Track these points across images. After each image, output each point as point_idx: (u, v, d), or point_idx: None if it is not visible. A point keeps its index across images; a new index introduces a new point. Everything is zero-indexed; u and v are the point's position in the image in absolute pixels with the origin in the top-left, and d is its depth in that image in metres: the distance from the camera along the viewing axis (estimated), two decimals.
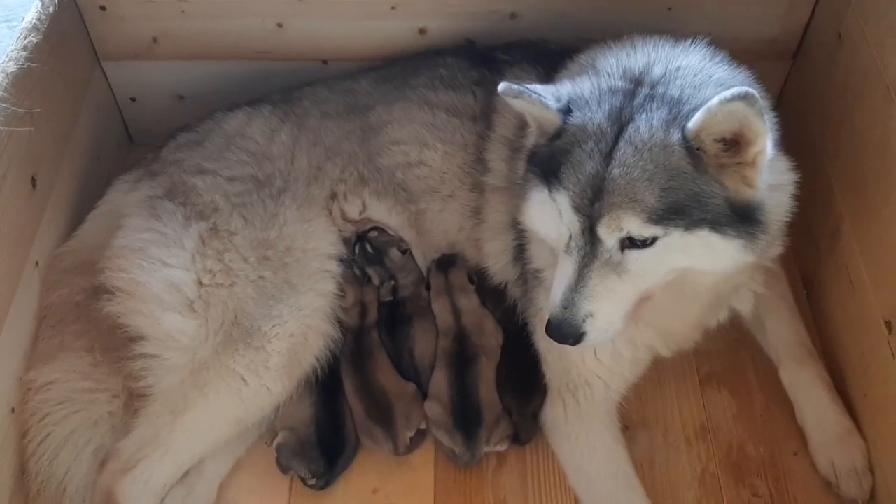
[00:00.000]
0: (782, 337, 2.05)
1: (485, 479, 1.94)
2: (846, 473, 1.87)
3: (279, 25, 2.24)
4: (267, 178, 2.04)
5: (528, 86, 1.55)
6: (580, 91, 1.56)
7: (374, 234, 2.12)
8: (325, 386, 1.95)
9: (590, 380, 1.87)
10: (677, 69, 1.56)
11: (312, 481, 1.88)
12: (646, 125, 1.46)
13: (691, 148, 1.45)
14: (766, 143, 1.43)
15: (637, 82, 1.54)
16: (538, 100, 1.53)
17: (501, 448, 1.92)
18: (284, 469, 1.89)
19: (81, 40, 2.27)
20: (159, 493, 1.80)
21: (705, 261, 1.54)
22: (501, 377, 1.95)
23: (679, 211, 1.46)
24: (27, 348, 1.91)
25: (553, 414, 1.91)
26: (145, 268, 1.87)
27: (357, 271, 2.09)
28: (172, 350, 1.84)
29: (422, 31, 2.23)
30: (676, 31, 2.18)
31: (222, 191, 1.99)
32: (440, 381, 1.94)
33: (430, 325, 2.05)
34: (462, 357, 1.97)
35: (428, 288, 2.10)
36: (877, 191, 1.86)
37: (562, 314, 1.53)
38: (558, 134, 1.55)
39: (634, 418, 2.01)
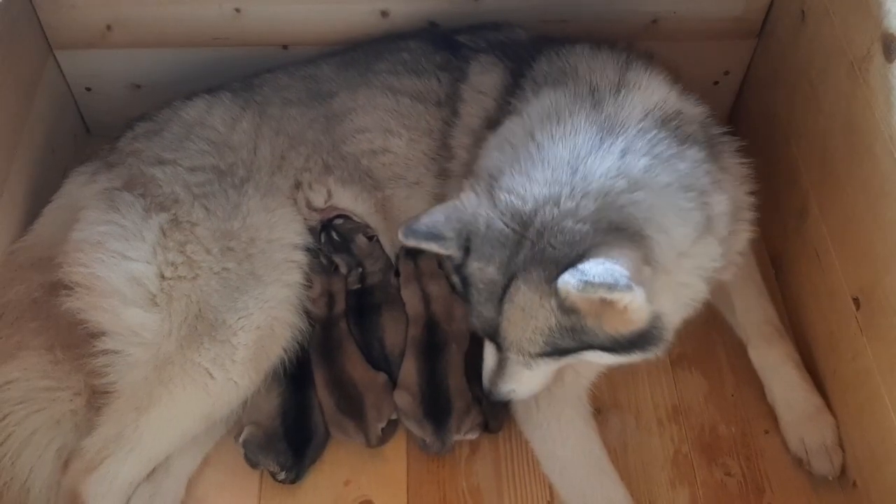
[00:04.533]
0: (751, 316, 2.05)
1: (458, 467, 1.93)
2: (816, 450, 1.89)
3: (237, 10, 2.19)
4: (229, 167, 2.00)
5: (426, 229, 1.56)
6: (476, 226, 1.55)
7: (339, 221, 2.09)
8: (294, 378, 1.92)
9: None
10: (564, 215, 1.48)
11: (282, 475, 1.85)
12: (526, 287, 1.50)
13: (568, 307, 1.48)
14: (633, 299, 1.41)
15: (524, 226, 1.51)
16: (439, 249, 1.58)
17: (472, 436, 1.91)
18: (253, 464, 1.87)
19: (32, 29, 2.20)
20: (125, 491, 1.77)
21: (610, 363, 1.67)
22: (470, 365, 1.94)
23: (566, 350, 1.57)
24: None
25: (525, 402, 1.89)
26: (105, 262, 1.83)
27: (324, 260, 2.06)
28: (135, 345, 1.80)
29: (384, 14, 2.19)
30: (642, 11, 2.21)
31: (183, 181, 1.95)
32: (409, 371, 1.92)
33: (399, 314, 2.02)
34: (432, 345, 1.94)
35: (397, 275, 2.08)
36: (842, 168, 1.87)
37: (490, 388, 1.74)
38: (463, 263, 1.59)
39: (606, 401, 2.01)
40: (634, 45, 1.90)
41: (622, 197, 1.49)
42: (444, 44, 2.08)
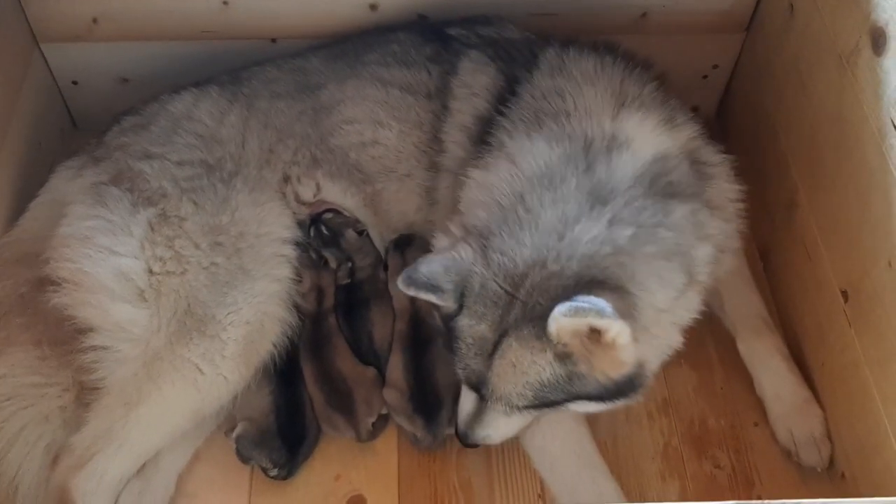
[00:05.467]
0: (739, 309, 2.06)
1: (449, 461, 1.93)
2: (805, 442, 1.90)
3: (225, 3, 2.17)
4: (217, 161, 1.99)
5: (426, 279, 1.58)
6: (472, 283, 1.58)
7: (328, 215, 2.08)
8: (284, 373, 1.92)
9: None
10: (550, 276, 1.53)
11: (274, 472, 1.85)
12: (517, 344, 1.54)
13: (560, 353, 1.51)
14: (621, 329, 1.45)
15: (515, 287, 1.55)
16: (437, 300, 1.60)
17: None
18: (245, 460, 1.86)
19: (17, 22, 2.18)
20: (115, 487, 1.76)
21: (589, 411, 1.68)
22: None
23: (553, 402, 1.60)
24: None
25: None
26: (92, 257, 1.81)
27: (313, 255, 2.06)
28: (124, 341, 1.79)
29: (373, 7, 2.18)
30: (631, 5, 2.21)
31: (171, 175, 1.93)
32: (396, 367, 1.92)
33: (388, 308, 2.02)
34: (418, 339, 1.94)
35: (386, 269, 2.07)
36: (831, 162, 1.88)
37: (465, 432, 1.75)
38: (453, 315, 1.62)
39: None
40: (634, 54, 1.88)
41: (607, 259, 1.53)
42: (434, 36, 2.07)
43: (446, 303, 1.60)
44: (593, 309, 1.42)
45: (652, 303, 1.56)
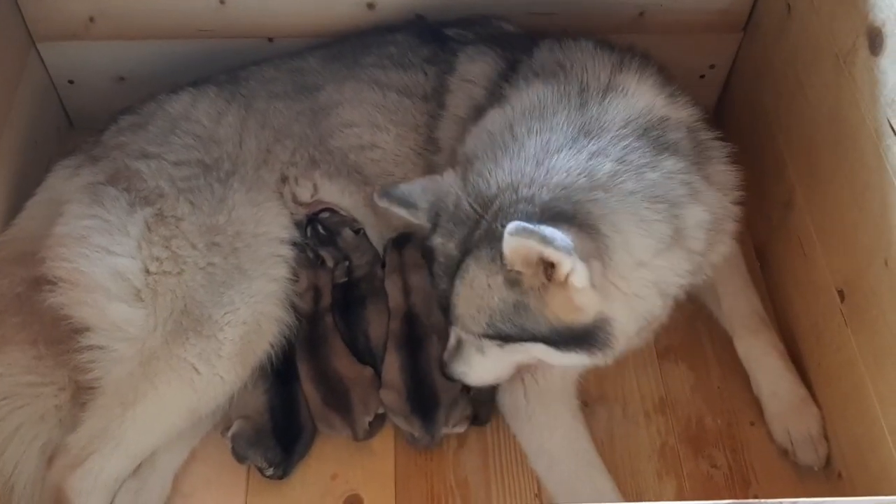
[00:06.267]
0: (736, 307, 2.06)
1: (446, 460, 1.92)
2: (802, 441, 1.90)
3: (222, 2, 2.17)
4: (214, 161, 1.99)
5: (401, 194, 1.64)
6: (446, 203, 1.60)
7: (325, 215, 2.08)
8: (280, 373, 1.92)
9: None
10: (519, 201, 1.50)
11: (270, 471, 1.84)
12: (474, 264, 1.53)
13: (511, 280, 1.48)
14: (574, 267, 1.41)
15: (484, 208, 1.54)
16: (409, 216, 1.66)
17: (460, 430, 1.91)
18: (241, 459, 1.86)
19: (14, 20, 2.18)
20: (111, 487, 1.76)
21: (555, 361, 1.65)
22: None
23: (508, 336, 1.57)
24: None
25: (512, 396, 1.90)
26: (88, 256, 1.81)
27: (310, 254, 2.05)
28: (120, 341, 1.79)
29: (370, 6, 2.18)
30: (629, 4, 2.21)
31: (168, 175, 1.93)
32: (392, 367, 1.91)
33: (384, 307, 2.01)
34: (413, 338, 1.94)
35: (384, 266, 2.07)
36: (828, 161, 1.88)
37: (446, 365, 1.76)
38: (430, 236, 1.64)
39: (593, 394, 2.01)
40: (635, 46, 1.87)
41: (579, 193, 1.49)
42: (432, 37, 2.07)
43: (419, 220, 1.63)
44: (539, 234, 1.36)
45: (629, 251, 1.50)
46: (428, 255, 1.65)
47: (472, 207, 1.55)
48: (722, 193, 1.68)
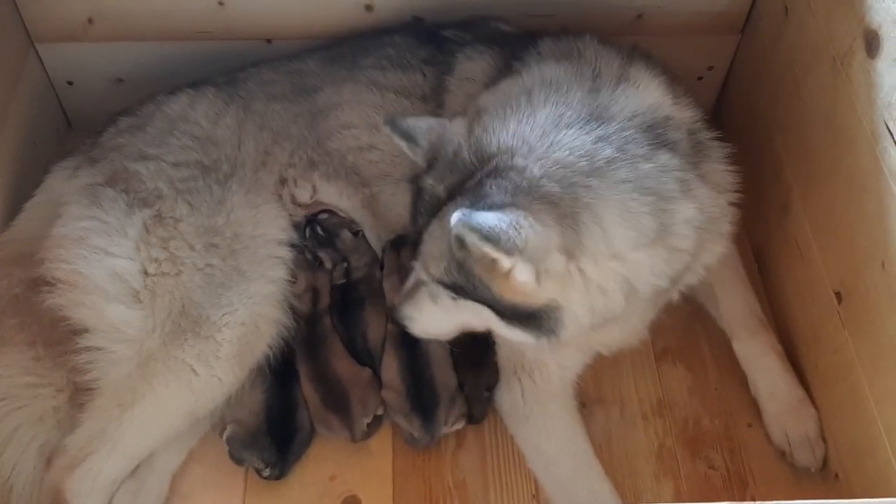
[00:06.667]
0: (734, 309, 2.06)
1: (444, 461, 1.93)
2: (799, 442, 1.90)
3: (220, 4, 2.17)
4: (213, 163, 1.99)
5: (406, 127, 1.63)
6: (446, 149, 1.60)
7: (324, 216, 2.08)
8: (278, 374, 1.92)
9: (545, 360, 1.87)
10: (513, 168, 1.49)
11: (266, 472, 1.84)
12: (453, 212, 1.48)
13: (462, 244, 1.46)
14: (516, 265, 1.41)
15: (481, 163, 1.54)
16: (408, 150, 1.65)
17: (458, 427, 1.91)
18: (238, 461, 1.86)
19: (12, 22, 2.18)
20: (109, 488, 1.76)
21: (502, 332, 1.64)
22: (450, 354, 1.94)
23: (462, 290, 1.56)
24: None
25: (510, 396, 1.91)
26: (87, 258, 1.81)
27: (308, 255, 2.06)
28: (118, 342, 1.79)
29: (368, 8, 2.18)
30: (627, 6, 2.21)
31: (166, 177, 1.93)
32: (391, 367, 1.92)
33: (382, 308, 2.01)
34: (411, 338, 1.93)
35: (382, 268, 2.07)
36: (825, 163, 1.88)
37: (396, 307, 1.77)
38: (422, 175, 1.64)
39: (591, 395, 2.01)
40: (637, 46, 1.86)
41: (576, 176, 1.48)
42: (429, 38, 2.07)
43: (415, 156, 1.63)
44: (480, 232, 1.36)
45: (606, 240, 1.48)
46: (416, 192, 1.64)
47: (471, 159, 1.55)
48: (717, 193, 1.66)
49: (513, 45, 1.95)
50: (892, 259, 1.63)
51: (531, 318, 1.54)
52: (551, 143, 1.50)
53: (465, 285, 1.54)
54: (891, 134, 1.64)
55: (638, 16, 2.24)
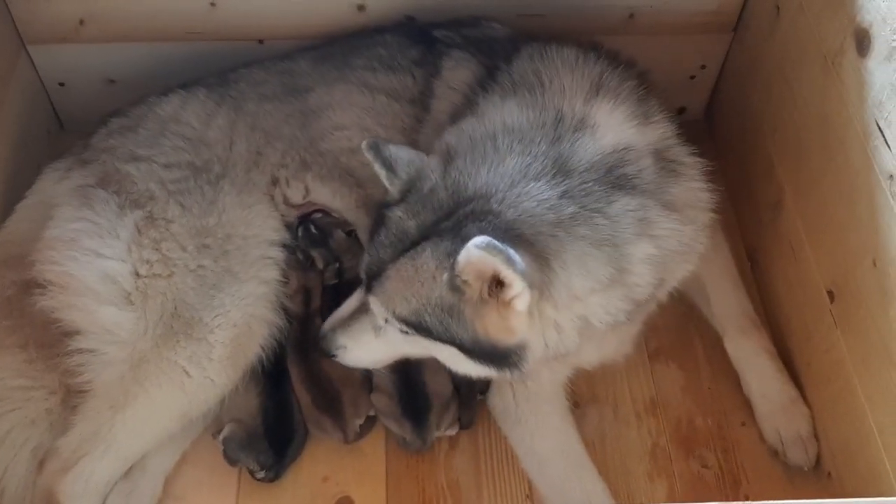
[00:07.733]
0: (726, 308, 2.07)
1: (437, 462, 1.93)
2: (792, 441, 1.91)
3: (212, 4, 2.17)
4: (204, 164, 1.99)
5: (388, 157, 1.62)
6: (422, 184, 1.60)
7: (317, 216, 2.08)
8: (271, 375, 1.92)
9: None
10: (488, 213, 1.51)
11: (261, 474, 1.85)
12: (431, 250, 1.52)
13: (455, 284, 1.47)
14: (522, 291, 1.43)
15: (457, 205, 1.55)
16: (385, 180, 1.64)
17: (452, 432, 1.91)
18: (232, 462, 1.86)
19: (4, 23, 2.17)
20: (102, 490, 1.76)
21: (457, 367, 1.63)
22: None
23: (427, 329, 1.56)
24: None
25: (502, 399, 1.91)
26: (78, 259, 1.81)
27: (300, 255, 2.05)
28: (110, 344, 1.79)
29: (360, 8, 2.18)
30: (619, 5, 2.21)
31: (158, 178, 1.93)
32: (381, 371, 1.91)
33: None
34: None
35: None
36: (817, 162, 1.88)
37: (325, 332, 1.75)
38: (389, 204, 1.63)
39: (585, 395, 2.01)
40: (620, 53, 1.85)
41: (545, 226, 1.51)
42: (420, 38, 2.07)
43: (391, 186, 1.63)
44: (505, 254, 1.38)
45: (568, 285, 1.51)
46: (378, 220, 1.63)
47: (448, 200, 1.56)
48: (683, 221, 1.65)
49: (496, 55, 1.94)
50: (884, 257, 1.63)
51: (502, 356, 1.55)
52: (520, 194, 1.53)
53: (434, 328, 1.54)
54: (881, 132, 1.64)
55: (630, 15, 2.24)
